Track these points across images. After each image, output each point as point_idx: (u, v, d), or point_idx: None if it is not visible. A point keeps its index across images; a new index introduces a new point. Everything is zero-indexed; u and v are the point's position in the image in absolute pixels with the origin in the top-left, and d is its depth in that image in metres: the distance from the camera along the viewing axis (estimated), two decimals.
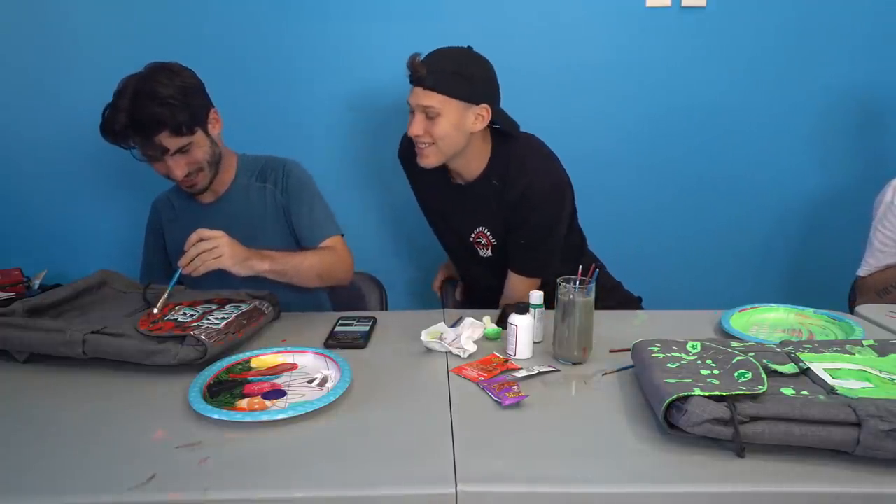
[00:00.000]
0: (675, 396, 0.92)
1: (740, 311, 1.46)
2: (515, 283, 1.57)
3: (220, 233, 1.34)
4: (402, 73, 1.97)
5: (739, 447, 0.89)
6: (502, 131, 1.55)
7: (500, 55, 1.96)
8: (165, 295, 1.32)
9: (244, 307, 1.35)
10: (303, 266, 1.49)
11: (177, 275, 1.33)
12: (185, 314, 1.28)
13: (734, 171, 2.11)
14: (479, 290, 1.74)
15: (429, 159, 1.49)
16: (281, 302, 1.47)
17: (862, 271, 1.75)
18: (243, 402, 1.05)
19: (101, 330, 1.17)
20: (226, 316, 1.28)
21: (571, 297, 1.19)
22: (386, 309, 1.87)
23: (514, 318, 1.23)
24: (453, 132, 1.44)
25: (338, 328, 1.38)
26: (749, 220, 2.16)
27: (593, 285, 1.22)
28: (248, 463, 0.90)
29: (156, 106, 1.38)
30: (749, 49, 2.01)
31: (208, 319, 1.26)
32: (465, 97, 1.42)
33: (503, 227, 1.54)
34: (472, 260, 1.64)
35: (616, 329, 1.39)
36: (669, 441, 0.94)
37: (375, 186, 1.85)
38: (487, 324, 1.35)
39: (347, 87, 1.98)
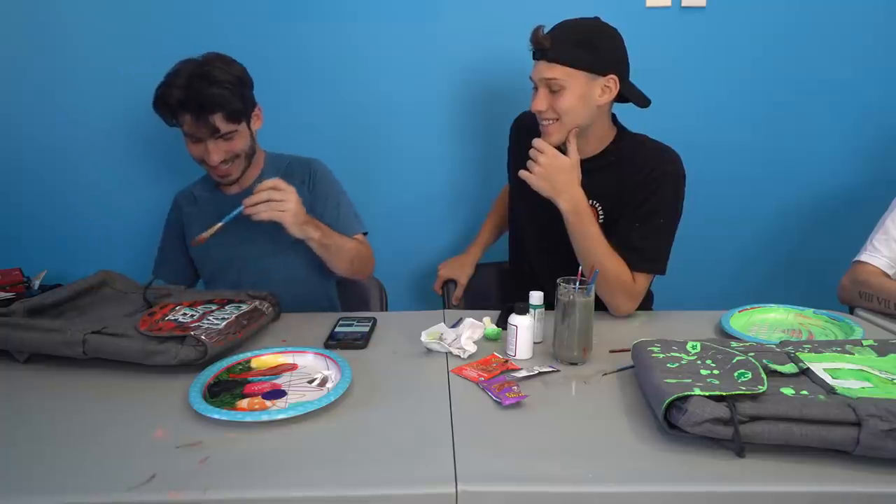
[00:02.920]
0: (675, 396, 0.92)
1: (740, 311, 1.46)
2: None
3: (292, 189, 1.37)
4: (403, 73, 1.99)
5: (739, 447, 0.89)
6: (622, 127, 1.54)
7: (500, 56, 1.98)
8: (216, 227, 1.37)
9: (244, 307, 1.35)
10: (344, 248, 1.54)
11: (237, 212, 1.36)
12: (185, 314, 1.29)
13: (734, 171, 2.11)
14: (536, 280, 1.56)
15: (553, 137, 1.45)
16: (293, 296, 1.51)
17: (868, 257, 1.62)
18: (243, 402, 1.05)
19: (101, 330, 1.17)
20: (226, 316, 1.28)
21: (571, 297, 1.19)
22: (386, 309, 1.87)
23: (514, 319, 1.23)
24: (579, 105, 1.41)
25: (338, 328, 1.38)
26: (748, 221, 2.16)
27: (593, 285, 1.22)
28: (248, 463, 0.90)
29: (214, 87, 1.43)
30: (749, 49, 2.01)
31: (208, 320, 1.26)
32: (590, 68, 1.39)
33: (615, 205, 1.49)
34: (557, 238, 1.52)
35: (616, 329, 1.40)
36: (669, 441, 0.94)
37: (375, 186, 1.86)
38: (487, 324, 1.35)
39: (346, 87, 1.98)
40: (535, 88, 1.46)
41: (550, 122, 1.45)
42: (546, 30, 1.41)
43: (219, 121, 1.46)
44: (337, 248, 1.52)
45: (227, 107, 1.45)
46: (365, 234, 1.67)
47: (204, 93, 1.42)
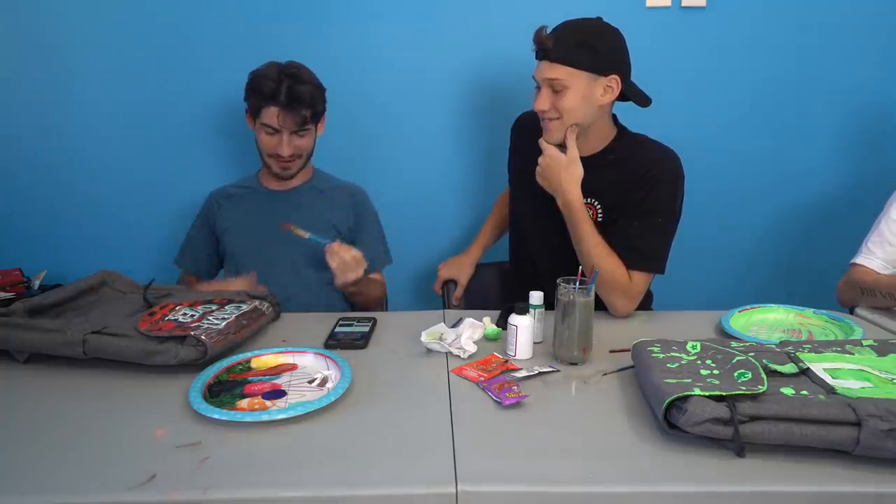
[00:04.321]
0: (675, 396, 0.92)
1: (740, 311, 1.46)
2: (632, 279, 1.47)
3: (363, 267, 1.54)
4: (403, 74, 1.99)
5: (739, 447, 0.89)
6: (623, 127, 1.55)
7: (501, 57, 1.98)
8: (304, 234, 1.53)
9: (244, 307, 1.34)
10: (370, 297, 1.72)
11: (324, 242, 1.51)
12: (185, 314, 1.28)
13: (733, 171, 2.11)
14: (536, 277, 1.60)
15: (554, 135, 1.46)
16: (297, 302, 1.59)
17: (863, 259, 1.64)
18: (243, 402, 1.05)
19: (101, 330, 1.17)
20: (226, 316, 1.28)
21: (571, 297, 1.19)
22: (386, 309, 1.87)
23: (514, 319, 1.23)
24: (581, 105, 1.42)
25: (338, 328, 1.38)
26: (747, 221, 2.16)
27: (593, 285, 1.22)
28: (248, 463, 0.90)
29: (304, 86, 1.61)
30: (749, 49, 2.01)
31: (208, 320, 1.26)
32: (592, 68, 1.40)
33: (614, 204, 1.49)
34: (558, 236, 1.53)
35: (616, 329, 1.40)
36: (669, 441, 0.94)
37: (375, 187, 1.86)
38: (487, 324, 1.35)
39: (347, 87, 1.98)
40: (538, 88, 1.47)
41: (552, 120, 1.46)
42: (549, 30, 1.42)
43: (301, 116, 1.61)
44: (363, 295, 1.70)
45: (311, 105, 1.62)
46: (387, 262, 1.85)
47: (294, 89, 1.59)
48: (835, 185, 2.14)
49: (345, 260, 1.47)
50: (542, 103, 1.44)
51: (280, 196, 1.76)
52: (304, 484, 0.86)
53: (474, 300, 1.82)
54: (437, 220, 2.13)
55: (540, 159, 1.48)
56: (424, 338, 1.26)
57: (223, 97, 1.96)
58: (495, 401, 1.07)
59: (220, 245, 1.77)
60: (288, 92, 1.59)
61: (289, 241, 1.71)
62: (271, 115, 1.60)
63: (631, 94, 1.47)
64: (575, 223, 1.45)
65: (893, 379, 1.01)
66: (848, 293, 1.64)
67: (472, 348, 1.25)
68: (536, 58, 1.46)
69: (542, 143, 1.48)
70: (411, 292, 2.17)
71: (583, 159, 1.47)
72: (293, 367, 1.20)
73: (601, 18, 1.44)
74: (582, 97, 1.42)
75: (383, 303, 1.86)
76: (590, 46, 1.40)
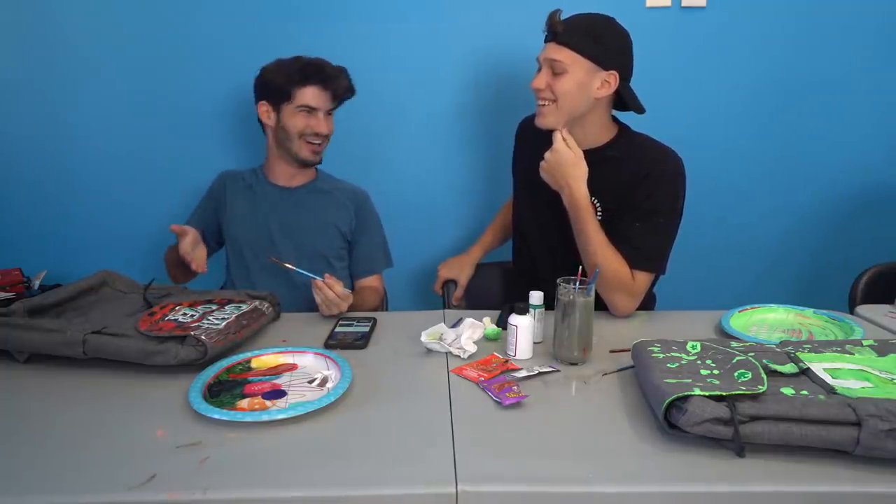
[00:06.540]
0: (675, 396, 0.92)
1: (740, 311, 1.46)
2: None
3: (349, 302, 1.47)
4: (407, 74, 1.99)
5: (739, 447, 0.90)
6: (624, 126, 1.55)
7: (500, 55, 1.98)
8: (290, 267, 1.47)
9: (244, 307, 1.35)
10: (364, 308, 1.64)
11: (311, 276, 1.44)
12: (185, 314, 1.29)
13: (734, 172, 2.11)
14: (539, 278, 1.60)
15: (547, 119, 1.48)
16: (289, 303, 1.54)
17: None
18: (244, 402, 1.05)
19: (101, 330, 1.17)
20: (226, 316, 1.28)
21: (571, 297, 1.19)
22: (386, 309, 1.87)
23: (514, 319, 1.23)
24: (576, 91, 1.44)
25: (338, 328, 1.38)
26: (748, 221, 2.16)
27: (593, 285, 1.22)
28: (248, 463, 0.90)
29: (337, 67, 1.69)
30: (749, 49, 2.01)
31: (208, 320, 1.26)
32: (595, 58, 1.42)
33: (614, 203, 1.50)
34: (560, 237, 1.54)
35: (616, 329, 1.40)
36: (669, 441, 0.94)
37: (375, 187, 1.86)
38: (487, 324, 1.35)
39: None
40: (539, 70, 1.48)
41: (546, 103, 1.47)
42: (562, 15, 1.44)
43: (339, 93, 1.68)
44: (356, 308, 1.58)
45: (345, 82, 1.69)
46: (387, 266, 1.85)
47: (328, 68, 1.66)
48: (836, 185, 2.13)
49: (328, 297, 1.43)
50: (539, 82, 1.46)
51: (284, 193, 1.76)
52: (304, 484, 0.86)
53: (474, 300, 1.82)
54: (438, 221, 2.12)
55: (546, 154, 1.47)
56: (424, 338, 1.26)
57: (227, 98, 1.96)
58: (495, 401, 1.07)
59: (222, 230, 1.78)
60: (324, 71, 1.65)
61: (288, 239, 1.71)
62: (309, 94, 1.64)
63: (628, 98, 1.48)
64: (580, 220, 1.45)
65: (893, 379, 1.02)
66: None
67: (472, 348, 1.25)
68: (545, 41, 1.48)
69: (555, 136, 1.47)
70: (411, 292, 2.17)
71: (585, 153, 1.47)
72: (293, 367, 1.20)
73: (614, 18, 1.46)
74: (578, 84, 1.43)
75: (383, 304, 1.85)
76: (597, 38, 1.43)
